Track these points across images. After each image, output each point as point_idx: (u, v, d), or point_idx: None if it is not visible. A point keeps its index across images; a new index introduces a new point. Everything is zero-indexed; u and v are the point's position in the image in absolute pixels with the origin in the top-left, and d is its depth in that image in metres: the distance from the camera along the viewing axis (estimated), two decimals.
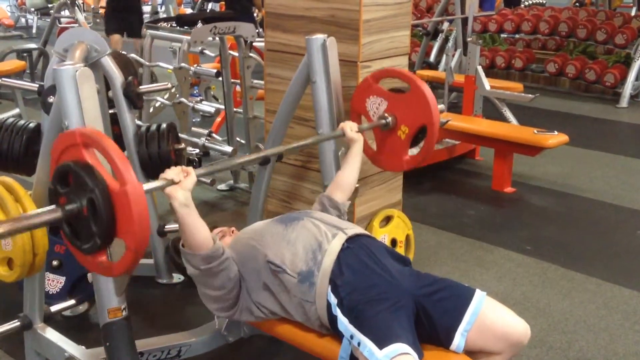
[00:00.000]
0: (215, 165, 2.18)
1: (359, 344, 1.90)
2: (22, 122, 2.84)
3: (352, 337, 1.94)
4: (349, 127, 2.52)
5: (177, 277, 3.25)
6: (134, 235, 1.54)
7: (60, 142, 1.65)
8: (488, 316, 1.98)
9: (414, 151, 2.64)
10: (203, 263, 2.05)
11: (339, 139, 2.65)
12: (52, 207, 1.60)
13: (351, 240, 2.14)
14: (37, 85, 2.93)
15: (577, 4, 10.53)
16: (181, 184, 1.90)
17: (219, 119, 5.17)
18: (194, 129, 4.58)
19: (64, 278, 2.84)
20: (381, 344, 1.85)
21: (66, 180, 1.60)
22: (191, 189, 1.94)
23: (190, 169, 1.94)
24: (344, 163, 2.55)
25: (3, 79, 3.02)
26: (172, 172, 1.90)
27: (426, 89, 2.49)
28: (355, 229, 2.21)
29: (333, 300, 2.02)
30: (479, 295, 2.02)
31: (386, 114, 2.59)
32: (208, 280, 2.11)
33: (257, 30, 4.18)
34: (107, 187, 1.54)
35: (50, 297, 2.75)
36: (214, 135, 4.39)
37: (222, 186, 4.58)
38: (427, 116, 2.49)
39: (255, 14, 7.60)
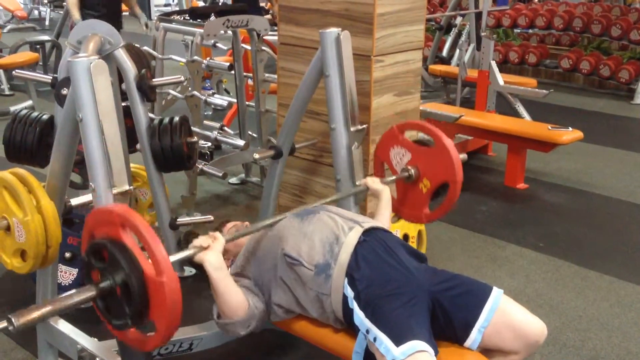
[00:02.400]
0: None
1: (374, 339, 1.90)
2: (35, 114, 2.84)
3: (368, 331, 1.93)
4: (371, 182, 2.57)
5: (189, 271, 3.25)
6: (165, 321, 1.58)
7: (96, 216, 1.69)
8: (505, 314, 1.98)
9: (434, 204, 2.65)
10: (243, 328, 2.10)
11: (356, 133, 2.64)
12: (88, 286, 1.64)
13: (368, 233, 2.13)
14: (51, 78, 2.93)
15: None
16: (211, 247, 1.95)
17: (230, 113, 5.17)
18: (206, 122, 4.58)
19: (77, 270, 2.85)
20: (398, 341, 1.85)
21: (101, 256, 1.64)
22: (221, 252, 1.99)
23: (217, 233, 2.01)
24: (377, 216, 2.55)
25: (17, 70, 3.02)
26: (200, 240, 1.97)
27: (450, 146, 2.49)
28: (371, 223, 2.21)
29: (350, 293, 2.01)
30: (496, 293, 2.01)
31: (409, 167, 2.60)
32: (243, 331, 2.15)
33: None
34: (144, 273, 1.57)
35: (63, 289, 2.76)
36: (225, 128, 4.38)
37: (233, 179, 4.58)
38: (450, 173, 2.49)
39: (267, 7, 7.60)
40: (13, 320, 1.49)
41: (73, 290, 1.67)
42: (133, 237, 1.62)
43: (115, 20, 6.00)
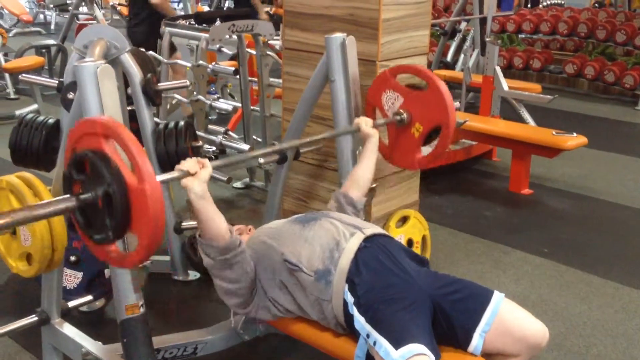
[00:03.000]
0: (231, 158, 2.18)
1: (374, 343, 1.90)
2: (41, 118, 2.85)
3: (368, 336, 1.93)
4: (364, 123, 2.52)
5: (193, 274, 3.25)
6: (148, 233, 1.53)
7: (79, 129, 1.64)
8: (507, 317, 1.97)
9: (426, 150, 2.62)
10: (219, 254, 2.06)
11: (356, 136, 2.65)
12: (67, 196, 1.58)
13: (369, 239, 2.13)
14: (57, 82, 2.94)
15: (596, 4, 10.44)
16: (197, 175, 1.91)
17: (235, 117, 5.18)
18: (210, 126, 4.59)
19: (82, 274, 2.85)
20: (397, 344, 1.85)
21: (82, 168, 1.59)
22: (207, 181, 1.95)
23: (206, 160, 1.95)
24: (360, 159, 2.55)
25: (23, 74, 3.03)
26: (188, 164, 1.91)
27: (444, 89, 2.47)
28: (373, 229, 2.21)
29: (350, 299, 2.01)
30: (498, 297, 2.01)
31: (401, 110, 2.57)
32: (223, 272, 2.11)
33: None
34: (126, 182, 1.52)
35: (68, 293, 2.76)
36: (230, 133, 4.40)
37: (237, 184, 4.59)
38: (443, 116, 2.47)
39: (271, 11, 7.61)
40: None
41: (52, 199, 1.62)
42: (116, 148, 1.57)
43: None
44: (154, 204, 1.50)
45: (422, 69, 2.54)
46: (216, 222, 2.03)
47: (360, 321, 1.97)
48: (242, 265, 2.11)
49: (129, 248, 1.63)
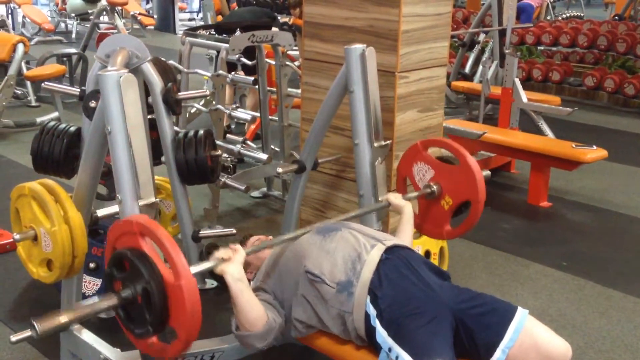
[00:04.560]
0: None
1: (396, 357, 1.90)
2: (62, 125, 2.87)
3: (390, 350, 1.93)
4: (393, 197, 2.57)
5: (210, 283, 3.26)
6: (185, 326, 1.60)
7: (118, 228, 1.72)
8: (530, 334, 1.96)
9: (455, 221, 2.64)
10: (261, 342, 2.10)
11: (378, 149, 2.65)
12: (109, 294, 1.67)
13: (390, 251, 2.13)
14: (78, 90, 2.97)
15: (616, 17, 10.37)
16: (232, 259, 1.96)
17: (253, 127, 5.20)
18: (229, 135, 4.61)
19: (100, 280, 2.87)
20: (419, 359, 1.84)
21: (122, 266, 1.67)
22: (242, 263, 2.00)
23: (237, 245, 2.02)
24: (398, 232, 2.55)
25: (46, 83, 3.06)
26: (221, 252, 1.98)
27: (475, 166, 2.49)
28: (393, 240, 2.20)
29: (372, 311, 2.01)
30: (522, 313, 2.00)
31: (432, 183, 2.60)
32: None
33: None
34: (163, 279, 1.60)
35: (86, 299, 2.78)
36: (248, 142, 4.41)
37: (255, 193, 4.60)
38: (473, 192, 2.50)
39: (289, 22, 7.64)
40: (36, 326, 1.52)
41: (95, 299, 1.70)
42: (152, 246, 1.64)
43: None
44: (190, 298, 1.58)
45: (453, 144, 2.57)
46: (253, 306, 2.07)
47: (382, 335, 1.97)
48: (277, 329, 2.15)
49: (168, 340, 1.68)
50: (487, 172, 2.61)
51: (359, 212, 2.59)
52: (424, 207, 2.68)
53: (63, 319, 1.58)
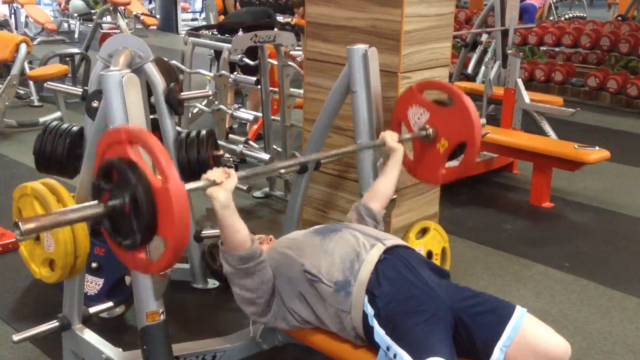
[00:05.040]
0: (255, 169, 2.18)
1: (395, 356, 1.90)
2: (65, 125, 2.89)
3: (388, 348, 1.93)
4: (390, 137, 2.52)
5: (212, 283, 3.26)
6: (174, 233, 1.55)
7: (105, 139, 1.68)
8: (529, 333, 1.95)
9: (451, 164, 2.62)
10: (240, 262, 2.07)
11: (379, 149, 2.65)
12: (95, 202, 1.62)
13: (389, 251, 2.13)
14: (81, 90, 2.98)
15: (619, 18, 10.36)
16: (222, 184, 1.92)
17: (255, 127, 5.21)
18: (231, 136, 4.62)
19: (103, 280, 2.88)
20: (418, 357, 1.84)
21: (110, 177, 1.62)
22: (232, 190, 1.95)
23: (231, 170, 1.96)
24: (382, 172, 2.55)
25: (49, 82, 3.08)
26: (213, 173, 1.92)
27: (471, 106, 2.47)
28: (393, 240, 2.20)
29: (370, 311, 2.01)
30: (520, 311, 2.00)
31: (427, 126, 2.58)
32: (242, 280, 2.12)
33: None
34: (150, 184, 1.55)
35: (89, 299, 2.79)
36: (251, 142, 4.42)
37: (257, 193, 4.60)
38: (469, 133, 2.47)
39: (292, 22, 7.65)
40: (20, 224, 1.45)
41: (80, 204, 1.65)
42: (140, 153, 1.60)
43: None
44: (179, 202, 1.53)
45: (449, 85, 2.55)
46: (239, 231, 2.04)
47: (380, 334, 1.97)
48: (262, 274, 2.12)
49: (155, 256, 1.65)
50: (482, 120, 2.57)
51: (354, 147, 2.57)
52: (419, 151, 2.64)
53: (47, 220, 1.51)
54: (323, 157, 2.79)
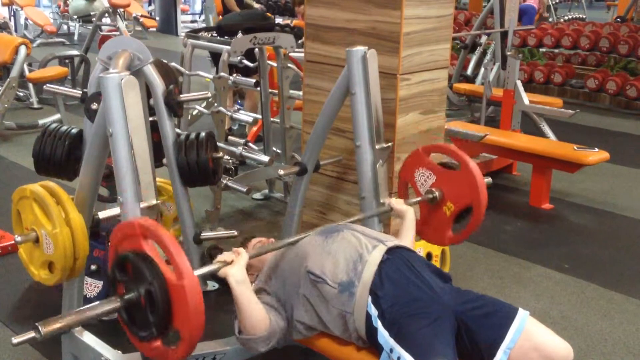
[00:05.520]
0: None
1: (398, 358, 1.90)
2: (64, 127, 2.88)
3: (391, 350, 1.93)
4: (395, 202, 2.56)
5: (212, 285, 3.26)
6: (189, 326, 1.60)
7: (119, 231, 1.72)
8: (531, 336, 1.96)
9: (457, 227, 2.64)
10: (264, 345, 2.11)
11: (380, 151, 2.65)
12: (112, 298, 1.67)
13: (391, 252, 2.13)
14: (80, 92, 2.97)
15: (618, 19, 10.37)
16: (234, 263, 1.97)
17: (254, 129, 5.20)
18: (230, 137, 4.61)
19: (102, 282, 2.87)
20: None
21: (125, 269, 1.67)
22: (245, 266, 2.00)
23: (240, 249, 2.02)
24: (400, 236, 2.54)
25: (48, 85, 3.07)
26: (225, 255, 1.99)
27: (476, 171, 2.49)
28: (395, 241, 2.21)
29: (374, 312, 2.01)
30: (523, 314, 2.00)
31: (433, 189, 2.60)
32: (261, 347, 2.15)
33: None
34: (165, 279, 1.60)
35: (88, 301, 2.78)
36: (250, 144, 4.41)
37: (257, 195, 4.60)
38: (475, 197, 2.50)
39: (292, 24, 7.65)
40: (40, 328, 1.52)
41: (98, 302, 1.69)
42: (154, 247, 1.64)
43: None
44: (193, 298, 1.57)
45: (455, 149, 2.58)
46: (255, 308, 2.07)
47: (384, 335, 1.97)
48: (282, 332, 2.16)
49: (172, 343, 1.67)
50: (488, 179, 2.61)
51: (361, 215, 2.59)
52: (426, 213, 2.68)
53: (66, 322, 1.58)
54: (323, 160, 2.79)
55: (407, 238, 2.51)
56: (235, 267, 1.96)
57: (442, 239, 2.67)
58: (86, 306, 1.71)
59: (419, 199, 2.63)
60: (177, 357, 1.67)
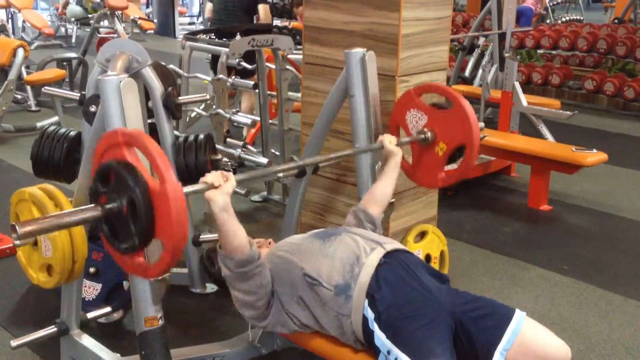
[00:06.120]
0: (253, 172, 2.18)
1: (395, 359, 1.89)
2: (62, 130, 2.88)
3: (389, 352, 1.93)
4: (388, 140, 2.52)
5: (211, 287, 3.26)
6: (172, 235, 1.54)
7: (103, 142, 1.67)
8: (528, 336, 1.96)
9: (450, 167, 2.62)
10: (238, 266, 2.07)
11: (377, 152, 2.65)
12: (92, 205, 1.61)
13: (389, 255, 2.13)
14: (78, 95, 2.98)
15: (615, 20, 10.38)
16: (221, 188, 1.91)
17: (253, 131, 5.20)
18: (229, 140, 4.61)
19: (100, 285, 2.87)
20: None
21: (107, 180, 1.62)
22: (231, 193, 1.95)
23: (230, 174, 1.95)
24: (381, 175, 2.55)
25: (46, 87, 3.07)
26: (212, 176, 1.91)
27: (469, 108, 2.47)
28: (393, 244, 2.21)
29: (370, 314, 2.01)
30: (519, 315, 2.00)
31: (425, 129, 2.58)
32: (240, 284, 2.11)
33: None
34: (147, 186, 1.55)
35: (87, 304, 2.78)
36: (248, 146, 4.41)
37: (255, 197, 4.60)
38: (468, 136, 2.47)
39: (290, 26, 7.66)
40: (17, 227, 1.44)
41: (77, 208, 1.64)
42: (137, 155, 1.60)
43: None
44: (176, 204, 1.52)
45: (447, 88, 2.55)
46: (237, 235, 2.03)
47: (381, 338, 1.96)
48: (260, 277, 2.11)
49: (153, 259, 1.64)
50: (481, 123, 2.57)
51: (352, 151, 2.58)
52: (418, 154, 2.64)
53: (45, 224, 1.51)
54: (321, 161, 2.79)
55: (388, 179, 2.51)
56: (220, 193, 1.90)
57: (435, 181, 2.64)
58: (65, 211, 1.65)
59: (410, 138, 2.60)
60: (159, 270, 1.62)
